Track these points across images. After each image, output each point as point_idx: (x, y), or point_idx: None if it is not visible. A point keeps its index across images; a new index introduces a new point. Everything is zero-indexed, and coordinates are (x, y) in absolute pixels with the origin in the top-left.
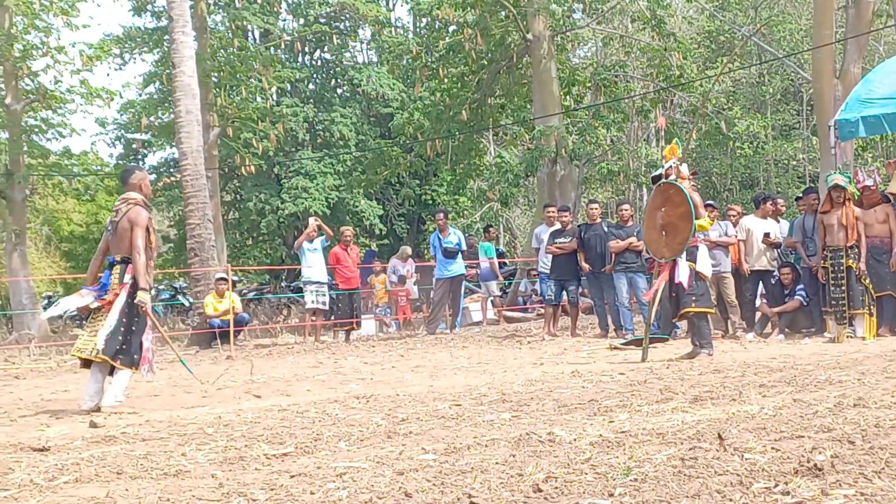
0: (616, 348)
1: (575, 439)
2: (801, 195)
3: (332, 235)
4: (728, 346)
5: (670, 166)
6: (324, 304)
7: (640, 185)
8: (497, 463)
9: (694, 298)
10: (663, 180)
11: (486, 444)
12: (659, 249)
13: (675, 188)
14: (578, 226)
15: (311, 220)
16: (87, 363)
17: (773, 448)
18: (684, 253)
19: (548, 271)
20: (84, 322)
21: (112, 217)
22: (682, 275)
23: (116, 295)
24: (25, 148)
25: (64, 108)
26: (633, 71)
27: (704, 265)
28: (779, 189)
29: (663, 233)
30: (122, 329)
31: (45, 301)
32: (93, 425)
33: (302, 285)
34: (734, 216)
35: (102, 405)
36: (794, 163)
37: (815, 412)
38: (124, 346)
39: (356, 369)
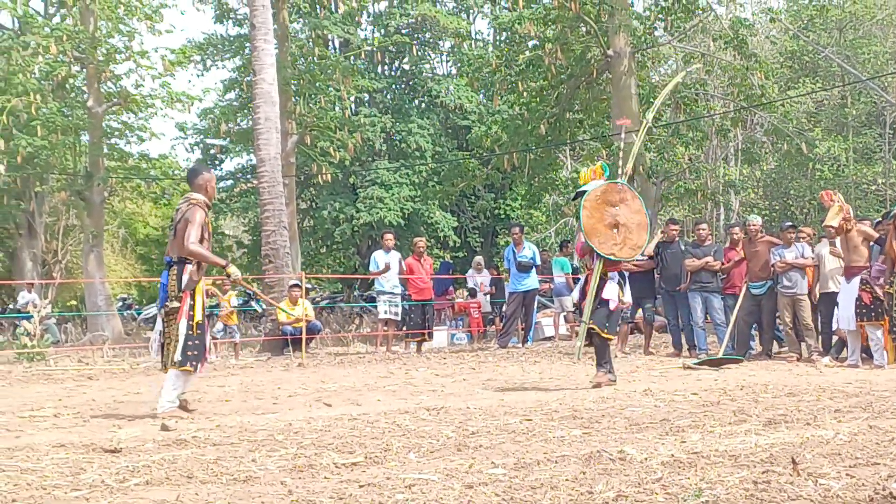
0: (689, 368)
1: (646, 458)
2: (879, 220)
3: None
4: (803, 369)
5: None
6: (396, 314)
7: (717, 205)
8: (567, 480)
9: (608, 323)
10: (619, 180)
11: (556, 461)
12: (608, 246)
13: (633, 194)
14: (656, 244)
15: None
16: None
17: (847, 474)
18: (616, 276)
19: None
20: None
21: (174, 216)
22: (612, 293)
23: (180, 300)
24: (106, 150)
25: (144, 111)
26: (713, 89)
27: (628, 293)
28: (858, 213)
29: (614, 230)
30: (193, 334)
31: (120, 303)
32: (164, 428)
33: (375, 295)
34: (805, 238)
35: (159, 412)
36: (875, 187)
37: (892, 439)
38: (195, 352)
39: (427, 381)
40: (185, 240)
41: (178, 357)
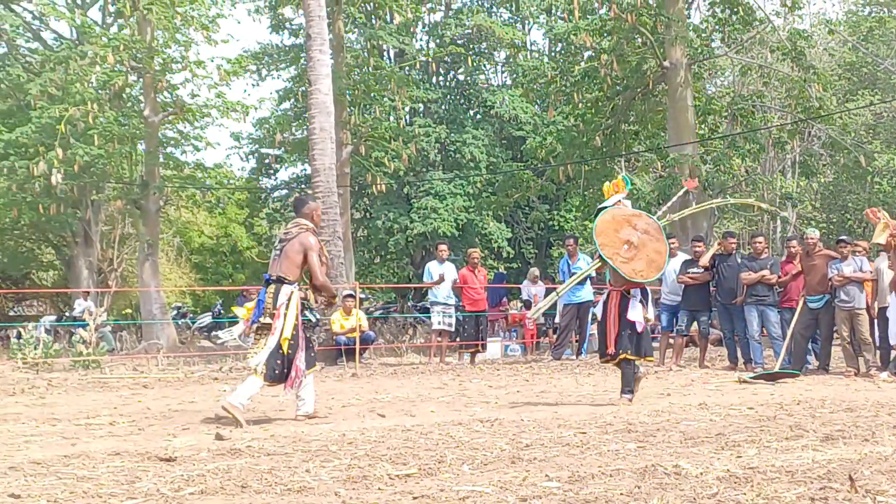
0: (745, 382)
1: (701, 473)
2: None
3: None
4: (861, 384)
5: (617, 202)
6: (450, 325)
7: (773, 217)
8: (622, 494)
9: (640, 346)
10: (656, 217)
11: (610, 474)
12: (610, 251)
13: (662, 237)
14: (712, 256)
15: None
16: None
17: None
18: (638, 294)
19: (669, 301)
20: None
21: (281, 237)
22: (637, 314)
23: (273, 316)
24: (161, 159)
25: (200, 121)
26: (770, 101)
27: (651, 309)
28: None
29: (625, 246)
30: (280, 353)
31: (174, 311)
32: (219, 437)
33: (429, 305)
34: (860, 252)
35: (229, 401)
36: None
37: None
38: (277, 371)
39: (481, 392)
40: (315, 275)
41: (260, 367)
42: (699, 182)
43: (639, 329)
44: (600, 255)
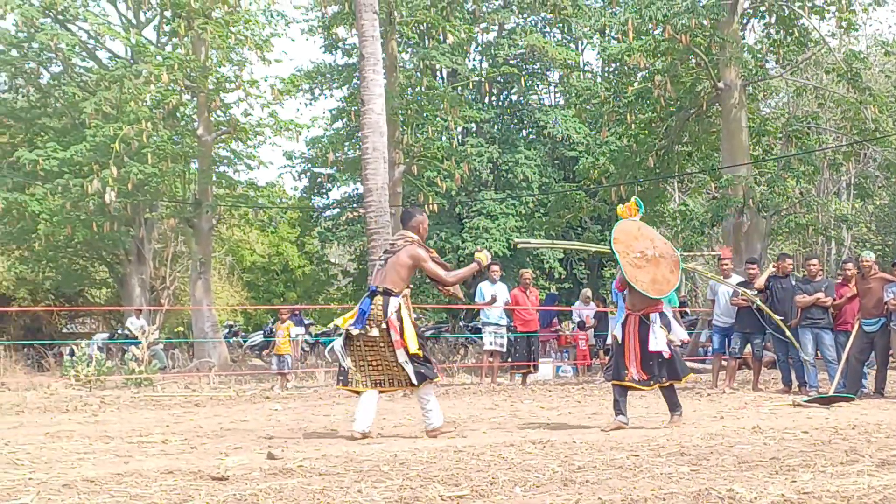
0: (800, 405)
1: (755, 498)
2: None
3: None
4: None
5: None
6: (501, 345)
7: (828, 239)
8: None
9: (671, 371)
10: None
11: (663, 498)
12: (628, 257)
13: (676, 259)
14: (767, 278)
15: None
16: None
17: None
18: (658, 319)
19: (721, 324)
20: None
21: (387, 248)
22: (661, 343)
23: (388, 328)
24: (214, 178)
25: (253, 140)
26: (825, 123)
27: (679, 331)
28: None
29: (639, 253)
30: (418, 357)
31: (226, 330)
32: (271, 457)
33: (480, 326)
34: None
35: (430, 428)
36: None
37: None
38: (423, 371)
39: (532, 413)
40: (442, 279)
41: (415, 380)
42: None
43: (665, 356)
44: (610, 247)
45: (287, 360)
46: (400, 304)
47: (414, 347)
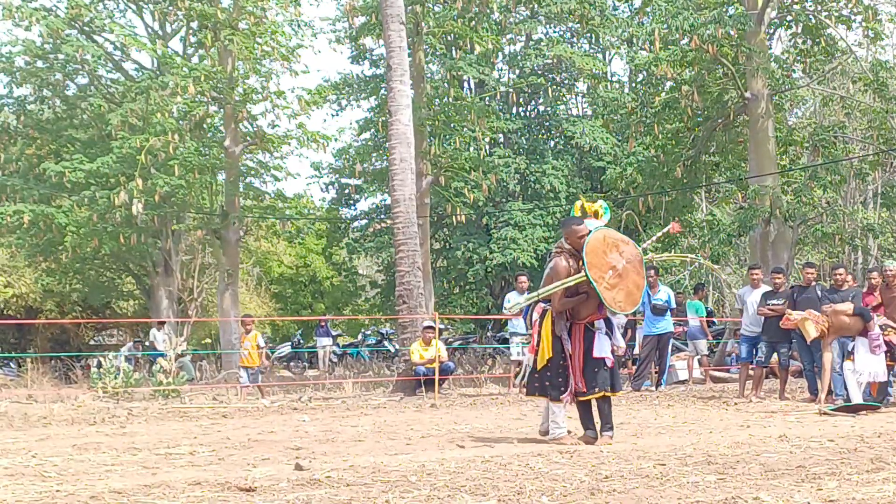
0: (826, 414)
1: None
2: None
3: None
4: None
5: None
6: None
7: (855, 248)
8: None
9: (608, 383)
10: (643, 250)
11: None
12: (596, 273)
13: (640, 259)
14: (791, 287)
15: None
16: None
17: None
18: (603, 326)
19: (749, 333)
20: None
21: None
22: (605, 349)
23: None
24: (241, 189)
25: (280, 151)
26: (852, 132)
27: (619, 337)
28: None
29: (611, 272)
30: (543, 367)
31: None
32: (298, 468)
33: (508, 336)
34: None
35: (551, 438)
36: None
37: None
38: (546, 382)
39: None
40: (553, 303)
41: (524, 383)
42: (780, 213)
43: (608, 364)
44: (586, 274)
45: (254, 372)
46: (545, 310)
47: (548, 354)
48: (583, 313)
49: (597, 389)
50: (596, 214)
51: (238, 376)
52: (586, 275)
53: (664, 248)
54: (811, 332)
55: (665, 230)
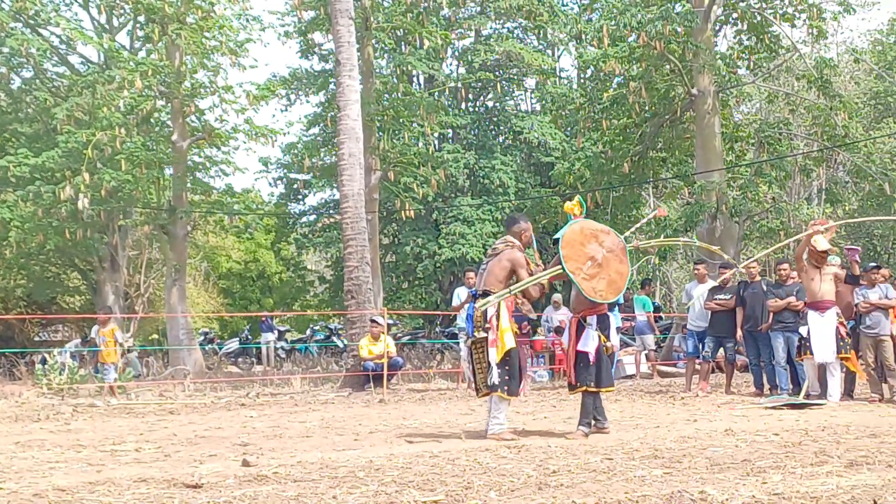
0: (771, 408)
1: (727, 499)
2: None
3: None
4: (886, 410)
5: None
6: None
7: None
8: None
9: (595, 376)
10: (626, 238)
11: (637, 500)
12: (573, 264)
13: (623, 247)
14: (738, 283)
15: None
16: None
17: None
18: (595, 322)
19: (695, 328)
20: None
21: (489, 252)
22: (591, 345)
23: (486, 330)
24: (189, 184)
25: (228, 146)
26: (796, 129)
27: (615, 337)
28: None
29: (589, 262)
30: (504, 361)
31: (202, 337)
32: (245, 464)
33: (456, 331)
34: (880, 279)
35: (491, 433)
36: None
37: None
38: (508, 378)
39: (508, 418)
40: (529, 291)
41: (492, 381)
42: (726, 209)
43: (591, 360)
44: (562, 267)
45: (111, 369)
46: (499, 304)
47: (510, 343)
48: (577, 307)
49: (580, 384)
50: (572, 210)
51: (105, 371)
52: (563, 268)
53: (657, 234)
54: (822, 244)
55: (651, 215)
